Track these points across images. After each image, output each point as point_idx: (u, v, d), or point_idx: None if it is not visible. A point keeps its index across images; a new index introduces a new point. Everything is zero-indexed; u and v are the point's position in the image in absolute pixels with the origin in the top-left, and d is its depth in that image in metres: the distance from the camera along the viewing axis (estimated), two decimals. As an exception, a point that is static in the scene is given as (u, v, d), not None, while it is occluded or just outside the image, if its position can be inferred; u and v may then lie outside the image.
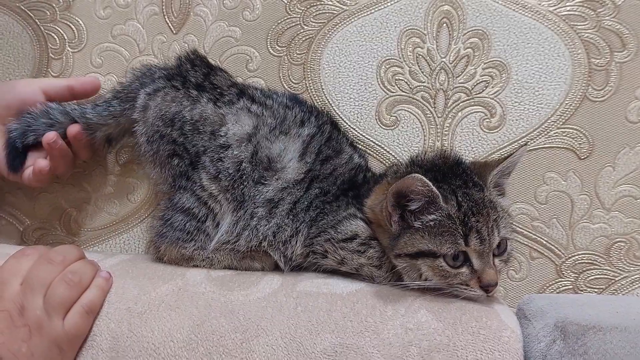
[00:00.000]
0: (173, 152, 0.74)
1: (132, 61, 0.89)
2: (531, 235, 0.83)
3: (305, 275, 0.72)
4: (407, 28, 0.84)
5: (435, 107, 0.83)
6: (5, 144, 0.79)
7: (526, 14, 0.81)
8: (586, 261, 0.82)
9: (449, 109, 0.83)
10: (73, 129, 0.78)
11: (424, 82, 0.83)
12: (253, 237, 0.72)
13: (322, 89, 0.86)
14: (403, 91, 0.84)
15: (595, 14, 0.80)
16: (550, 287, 0.82)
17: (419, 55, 0.83)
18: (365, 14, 0.84)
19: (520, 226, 0.82)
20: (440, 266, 0.63)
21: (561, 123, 0.81)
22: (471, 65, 0.82)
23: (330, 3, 0.85)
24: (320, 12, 0.85)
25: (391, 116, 0.84)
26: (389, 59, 0.84)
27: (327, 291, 0.66)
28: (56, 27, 0.90)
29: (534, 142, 0.82)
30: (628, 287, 0.81)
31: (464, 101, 0.83)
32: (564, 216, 0.82)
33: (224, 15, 0.87)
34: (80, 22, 0.89)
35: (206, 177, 0.73)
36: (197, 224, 0.74)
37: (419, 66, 0.84)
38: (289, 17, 0.86)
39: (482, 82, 0.82)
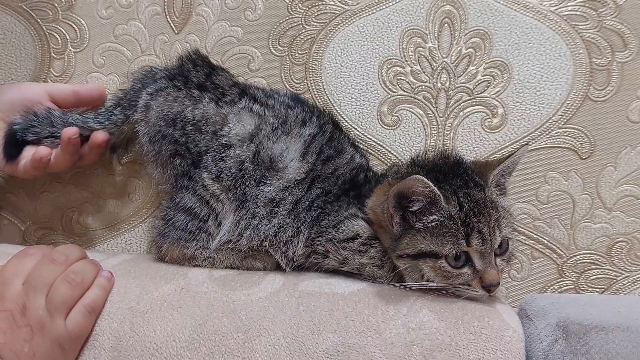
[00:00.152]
0: (175, 152, 0.74)
1: (134, 61, 0.89)
2: (533, 235, 0.83)
3: (307, 275, 0.72)
4: (408, 28, 0.84)
5: (436, 107, 0.83)
6: (5, 133, 0.78)
7: (528, 13, 0.82)
8: (588, 261, 0.82)
9: (451, 109, 0.83)
10: (101, 136, 0.78)
11: (425, 82, 0.83)
12: (255, 236, 0.73)
13: (324, 88, 0.86)
14: (405, 91, 0.84)
15: (596, 14, 0.80)
16: (551, 287, 0.83)
17: (421, 55, 0.84)
18: (367, 14, 0.84)
19: (521, 226, 0.82)
20: (442, 267, 0.63)
21: (562, 123, 0.81)
22: (473, 65, 0.83)
23: (332, 3, 0.85)
24: (322, 12, 0.85)
25: (393, 116, 0.84)
26: (390, 59, 0.84)
27: (329, 291, 0.66)
28: (58, 26, 0.90)
29: (536, 141, 0.82)
30: (630, 286, 0.81)
31: (465, 101, 0.83)
32: (565, 216, 0.82)
33: (225, 15, 0.87)
34: (82, 22, 0.90)
35: (208, 176, 0.73)
36: (199, 223, 0.74)
37: (420, 66, 0.84)
38: (290, 17, 0.86)
39: (483, 82, 0.82)
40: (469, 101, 0.83)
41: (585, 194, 0.81)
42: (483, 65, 0.82)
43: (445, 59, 0.83)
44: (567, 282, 0.82)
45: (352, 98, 0.85)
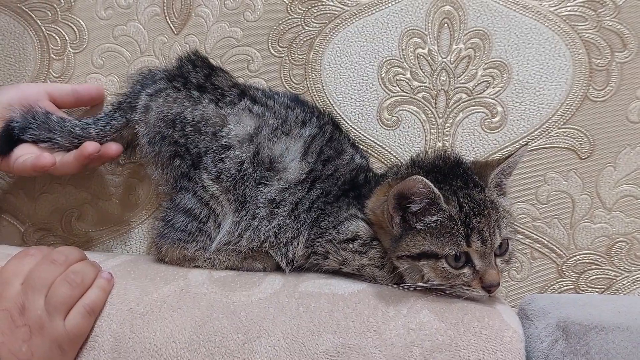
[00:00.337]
0: (175, 153, 0.74)
1: (133, 62, 0.89)
2: (532, 235, 0.83)
3: (307, 276, 0.72)
4: (408, 28, 0.84)
5: (436, 108, 0.83)
6: (2, 129, 0.77)
7: (527, 14, 0.82)
8: (587, 261, 0.82)
9: (450, 109, 0.83)
10: (115, 148, 0.77)
11: (425, 83, 0.83)
12: (254, 237, 0.73)
13: (323, 89, 0.86)
14: (404, 91, 0.84)
15: (595, 14, 0.80)
16: (551, 287, 0.83)
17: (420, 55, 0.84)
18: (367, 15, 0.84)
19: (521, 226, 0.82)
20: (442, 267, 0.63)
21: (562, 123, 0.81)
22: (472, 66, 0.83)
23: (331, 4, 0.85)
24: (322, 12, 0.85)
25: (392, 116, 0.85)
26: (390, 60, 0.84)
27: (329, 292, 0.66)
28: (57, 27, 0.90)
29: (535, 142, 0.82)
30: (629, 286, 0.81)
31: (465, 101, 0.83)
32: (565, 216, 0.82)
33: (225, 16, 0.87)
34: (82, 22, 0.90)
35: (208, 177, 0.73)
36: (199, 224, 0.74)
37: (420, 66, 0.84)
38: (290, 17, 0.86)
39: (483, 82, 0.82)
40: (469, 101, 0.83)
41: (584, 194, 0.82)
42: (482, 66, 0.82)
43: (445, 60, 0.83)
44: (567, 282, 0.82)
45: (351, 99, 0.85)
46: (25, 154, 0.77)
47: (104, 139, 0.78)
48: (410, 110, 0.84)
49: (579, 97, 0.81)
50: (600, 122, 0.81)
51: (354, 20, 0.85)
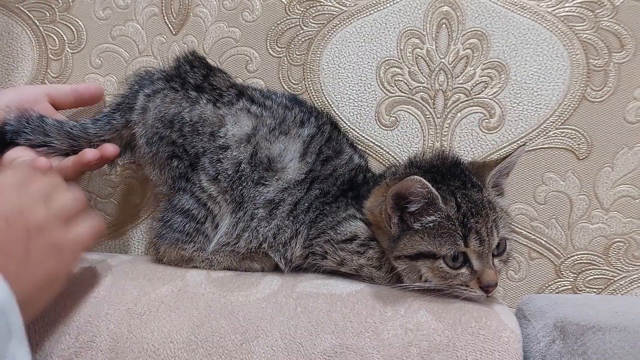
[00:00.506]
0: (172, 154, 0.74)
1: (131, 62, 0.89)
2: (530, 235, 0.83)
3: (305, 276, 0.72)
4: (406, 29, 0.84)
5: (434, 108, 0.84)
6: None
7: (525, 15, 0.82)
8: (585, 261, 0.82)
9: (448, 110, 0.83)
10: (112, 150, 0.77)
11: (423, 83, 0.84)
12: (253, 238, 0.72)
13: (322, 89, 0.86)
14: (402, 92, 0.84)
15: (593, 15, 0.81)
16: (549, 287, 0.83)
17: (418, 56, 0.84)
18: (365, 15, 0.84)
19: (519, 226, 0.82)
20: (440, 267, 0.63)
21: (560, 123, 0.82)
22: (470, 66, 0.83)
23: (329, 4, 0.85)
24: (320, 13, 0.85)
25: (390, 117, 0.85)
26: (388, 60, 0.84)
27: (326, 292, 0.66)
28: (55, 28, 0.90)
29: (533, 142, 0.82)
30: (627, 287, 0.82)
31: (463, 102, 0.83)
32: (562, 216, 0.82)
33: (223, 16, 0.87)
34: (80, 23, 0.89)
35: (205, 178, 0.73)
36: (197, 225, 0.74)
37: (418, 67, 0.84)
38: (288, 18, 0.86)
39: (481, 82, 0.83)
40: (467, 102, 0.83)
41: (582, 195, 0.82)
42: (480, 66, 0.82)
43: (443, 60, 0.83)
44: (564, 282, 0.82)
45: (350, 99, 0.85)
46: (22, 156, 0.77)
47: (102, 139, 0.78)
48: (409, 110, 0.84)
49: (577, 97, 0.81)
50: (598, 123, 0.81)
51: (352, 21, 0.85)
